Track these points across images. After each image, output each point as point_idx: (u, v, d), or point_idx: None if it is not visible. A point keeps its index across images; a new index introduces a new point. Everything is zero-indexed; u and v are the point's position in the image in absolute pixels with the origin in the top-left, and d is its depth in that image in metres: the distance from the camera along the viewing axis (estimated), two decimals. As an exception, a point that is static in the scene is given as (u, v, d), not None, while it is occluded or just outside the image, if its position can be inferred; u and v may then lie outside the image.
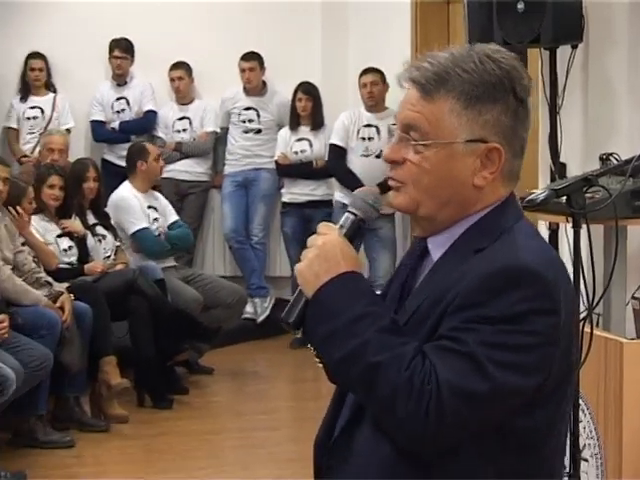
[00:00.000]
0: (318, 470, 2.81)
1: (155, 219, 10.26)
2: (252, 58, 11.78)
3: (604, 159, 7.37)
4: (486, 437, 2.54)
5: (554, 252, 2.65)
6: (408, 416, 2.47)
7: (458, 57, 2.60)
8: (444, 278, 2.60)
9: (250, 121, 11.89)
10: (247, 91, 11.87)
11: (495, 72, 2.58)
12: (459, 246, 2.63)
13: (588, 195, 5.63)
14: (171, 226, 10.39)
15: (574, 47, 8.20)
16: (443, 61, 2.61)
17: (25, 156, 11.38)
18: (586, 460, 3.95)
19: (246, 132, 11.87)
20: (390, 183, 2.67)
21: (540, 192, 4.94)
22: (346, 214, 2.77)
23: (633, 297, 7.00)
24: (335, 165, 11.06)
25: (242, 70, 11.78)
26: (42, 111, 11.72)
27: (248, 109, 11.88)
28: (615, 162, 7.09)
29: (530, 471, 2.59)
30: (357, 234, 2.75)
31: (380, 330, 2.53)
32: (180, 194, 11.62)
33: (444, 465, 2.55)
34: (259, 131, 11.85)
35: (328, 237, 2.69)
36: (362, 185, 10.75)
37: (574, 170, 7.54)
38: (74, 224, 9.35)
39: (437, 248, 2.68)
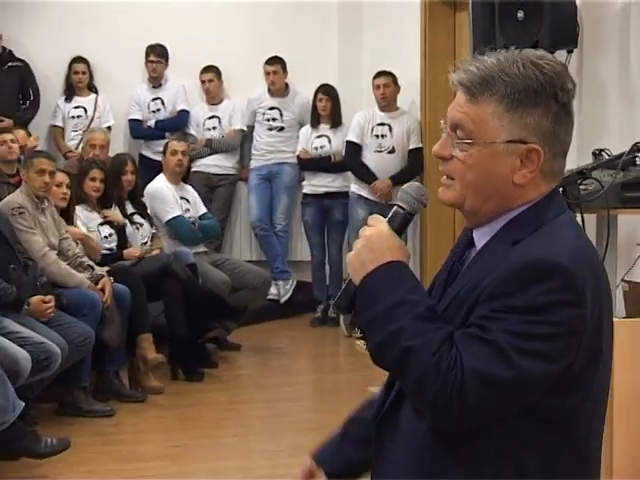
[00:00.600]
0: (377, 436, 2.79)
1: (187, 209, 10.29)
2: (276, 62, 11.80)
3: (596, 154, 7.35)
4: (517, 419, 2.52)
5: (588, 248, 2.63)
6: (435, 398, 2.46)
7: (503, 62, 2.58)
8: (482, 267, 2.60)
9: (274, 120, 11.90)
10: (271, 92, 11.88)
11: (537, 77, 2.55)
12: (499, 237, 2.62)
13: (582, 187, 5.63)
14: (201, 217, 10.41)
15: (569, 52, 8.20)
16: (489, 65, 2.59)
17: (70, 151, 11.42)
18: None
19: (270, 130, 11.88)
20: (442, 179, 2.67)
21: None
22: (395, 207, 2.76)
23: (623, 280, 7.00)
24: (351, 160, 11.08)
25: (267, 73, 11.80)
26: (85, 110, 11.74)
27: (272, 109, 11.89)
28: (607, 157, 7.07)
29: (562, 453, 2.57)
30: (404, 226, 2.74)
31: (415, 317, 2.52)
32: (210, 186, 11.64)
33: (476, 444, 2.55)
34: (282, 129, 11.86)
35: (375, 229, 2.68)
36: (375, 178, 10.81)
37: (569, 164, 7.48)
38: (114, 214, 9.38)
39: (481, 238, 2.68)
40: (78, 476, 7.11)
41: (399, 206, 2.76)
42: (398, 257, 2.63)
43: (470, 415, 2.47)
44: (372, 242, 2.65)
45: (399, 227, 2.72)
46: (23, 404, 6.94)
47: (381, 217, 2.74)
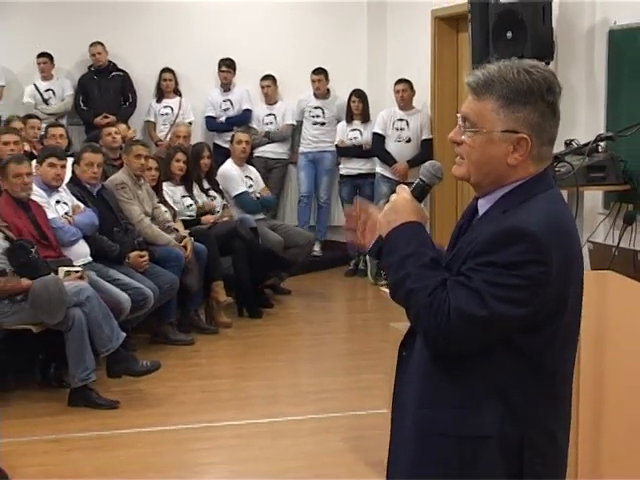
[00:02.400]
0: (399, 360, 2.81)
1: (250, 185, 10.28)
2: (320, 72, 11.74)
3: (568, 143, 7.31)
4: (498, 352, 2.55)
5: (562, 217, 2.63)
6: (428, 328, 2.53)
7: (503, 69, 2.59)
8: (478, 230, 2.63)
9: (317, 117, 11.84)
10: (316, 95, 11.82)
11: (527, 81, 2.56)
12: (495, 207, 2.63)
13: (557, 169, 5.59)
14: (261, 192, 10.42)
15: (547, 63, 8.11)
16: (491, 71, 2.60)
17: (160, 141, 11.41)
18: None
19: (314, 124, 11.84)
20: (456, 159, 2.67)
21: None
22: (417, 180, 2.80)
23: (588, 241, 6.99)
24: (377, 148, 11.04)
25: (313, 81, 11.75)
26: (172, 109, 11.74)
27: (316, 108, 11.85)
28: (575, 145, 7.04)
29: (535, 380, 2.60)
30: (423, 194, 2.78)
31: (420, 266, 2.57)
32: (267, 168, 11.61)
33: (466, 373, 2.59)
34: (323, 124, 11.81)
35: (400, 196, 2.73)
36: (395, 162, 10.80)
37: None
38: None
39: (482, 207, 2.69)
40: (167, 390, 7.17)
41: (420, 179, 2.79)
42: (416, 218, 2.67)
43: (454, 343, 2.52)
44: (397, 206, 2.70)
45: (419, 195, 2.76)
46: (124, 334, 6.99)
47: (406, 187, 2.78)
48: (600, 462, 4.04)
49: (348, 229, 3.02)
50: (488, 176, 2.63)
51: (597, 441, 4.04)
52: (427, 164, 2.86)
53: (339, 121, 11.71)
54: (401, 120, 11.04)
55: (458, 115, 2.69)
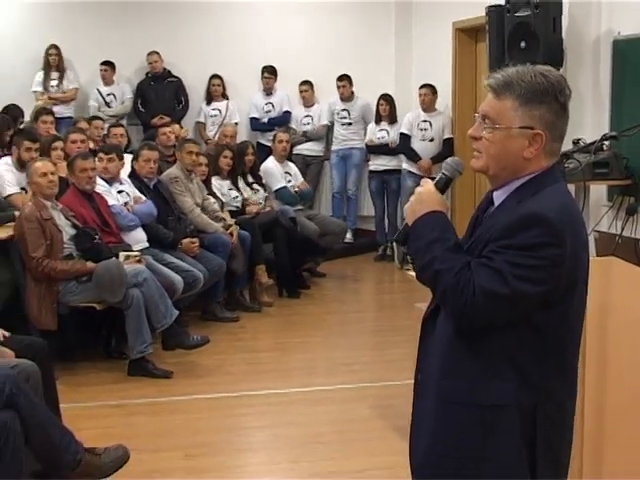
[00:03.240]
0: (421, 335, 2.81)
1: (289, 180, 10.28)
2: (344, 78, 11.72)
3: (575, 142, 7.26)
4: (515, 327, 2.56)
5: (571, 205, 2.64)
6: (455, 305, 2.53)
7: (521, 72, 2.60)
8: (496, 218, 2.63)
9: (344, 118, 11.82)
10: (342, 99, 11.81)
11: (543, 83, 2.56)
12: (510, 198, 2.63)
13: (566, 165, 5.55)
14: (299, 185, 10.42)
15: (557, 70, 8.08)
16: (510, 74, 2.60)
17: (209, 139, 11.42)
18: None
19: (342, 125, 11.81)
20: (474, 154, 2.68)
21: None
22: (440, 174, 2.80)
23: (594, 230, 6.94)
24: (403, 146, 11.00)
25: (338, 86, 11.75)
26: (220, 111, 11.74)
27: (343, 110, 11.81)
28: (582, 144, 7.00)
29: (548, 353, 2.60)
30: (446, 187, 2.77)
31: (445, 249, 2.57)
32: (305, 164, 11.60)
33: (485, 345, 2.59)
34: (350, 124, 11.79)
35: (425, 188, 2.73)
36: (420, 158, 10.78)
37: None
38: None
39: (498, 198, 2.68)
40: (215, 361, 7.19)
41: (443, 173, 2.79)
42: (439, 208, 2.67)
43: (478, 319, 2.52)
44: (422, 197, 2.70)
45: (442, 187, 2.75)
46: (177, 312, 7.01)
47: (430, 180, 2.78)
48: (604, 437, 4.01)
49: None
50: (505, 169, 2.63)
51: (601, 422, 4.01)
52: (449, 160, 2.87)
53: (364, 120, 11.73)
54: (425, 121, 11.00)
55: (476, 114, 2.69)
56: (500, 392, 2.58)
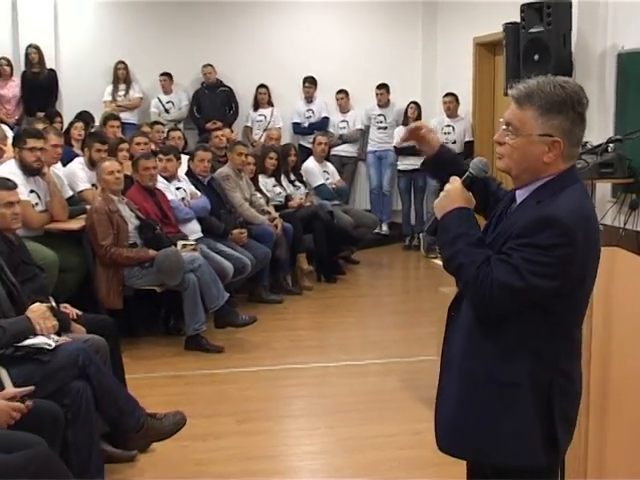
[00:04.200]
0: (447, 320, 2.82)
1: (327, 178, 10.26)
2: (382, 87, 11.67)
3: (583, 145, 7.22)
4: (530, 313, 2.57)
5: (586, 207, 2.61)
6: (475, 296, 2.57)
7: (541, 83, 2.58)
8: (517, 216, 2.62)
9: (381, 122, 11.78)
10: (379, 105, 11.76)
11: (562, 95, 2.54)
12: (531, 197, 2.62)
13: (577, 165, 5.49)
14: (336, 183, 10.42)
15: (568, 80, 8.05)
16: (531, 85, 2.58)
17: (255, 142, 11.44)
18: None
19: (379, 128, 11.77)
20: (497, 157, 2.68)
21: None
22: (467, 172, 2.78)
23: (600, 224, 6.93)
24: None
25: (376, 94, 11.72)
26: (265, 117, 11.75)
27: (380, 115, 11.78)
28: (589, 147, 6.97)
29: (558, 335, 2.61)
30: (472, 185, 2.76)
31: (469, 244, 2.59)
32: (342, 164, 11.57)
33: (503, 330, 2.61)
34: (386, 128, 11.73)
35: (453, 185, 2.72)
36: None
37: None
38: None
39: (520, 197, 2.67)
40: (261, 338, 7.20)
41: (470, 172, 2.77)
42: (465, 205, 2.68)
43: (495, 308, 2.55)
44: (450, 194, 2.70)
45: (469, 185, 2.74)
46: (228, 294, 7.03)
47: (458, 178, 2.76)
48: (608, 408, 3.98)
49: (408, 133, 3.15)
50: (527, 171, 2.62)
51: (605, 395, 3.98)
52: (476, 160, 2.85)
53: (398, 125, 11.67)
54: (448, 126, 10.97)
55: (501, 120, 2.68)
56: (516, 372, 2.60)
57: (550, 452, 2.65)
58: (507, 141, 2.62)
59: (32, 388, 3.82)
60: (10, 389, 3.85)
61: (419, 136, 3.13)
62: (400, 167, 11.51)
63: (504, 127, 2.64)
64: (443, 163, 3.12)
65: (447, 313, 2.83)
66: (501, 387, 2.61)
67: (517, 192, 2.70)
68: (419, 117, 11.37)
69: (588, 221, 2.57)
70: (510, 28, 8.44)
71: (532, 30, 8.08)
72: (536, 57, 8.01)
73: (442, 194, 2.73)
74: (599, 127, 8.03)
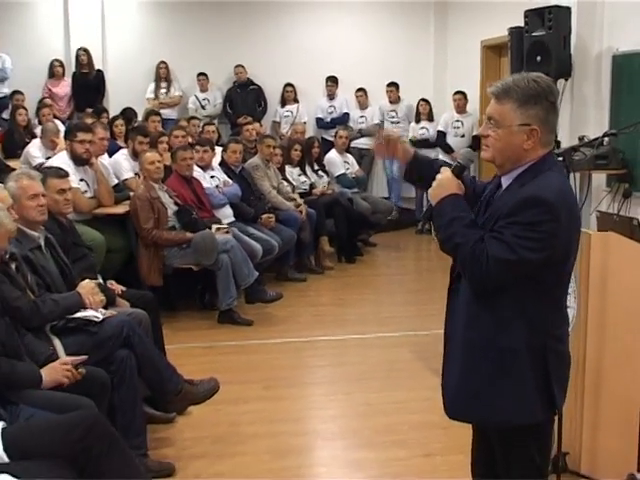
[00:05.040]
0: (448, 297, 2.83)
1: (347, 168, 10.23)
2: (392, 85, 11.67)
3: (580, 138, 7.21)
4: (522, 285, 2.58)
5: (565, 187, 2.64)
6: (471, 271, 2.58)
7: (516, 79, 2.61)
8: (503, 200, 2.63)
9: (393, 117, 11.76)
10: (390, 102, 11.74)
11: (535, 88, 2.58)
12: (515, 182, 2.64)
13: (574, 157, 5.47)
14: (356, 172, 10.39)
15: (566, 80, 8.00)
16: (508, 82, 2.62)
17: (282, 135, 11.42)
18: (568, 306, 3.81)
19: (392, 123, 11.74)
20: (483, 148, 2.70)
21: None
22: (455, 162, 2.81)
23: (595, 210, 6.87)
24: (440, 141, 10.94)
25: (387, 91, 11.70)
26: (291, 113, 11.74)
27: (392, 111, 11.76)
28: (586, 140, 6.93)
29: (546, 301, 2.62)
30: (460, 173, 2.78)
31: (463, 226, 2.61)
32: (360, 155, 11.51)
33: (499, 300, 2.61)
34: (398, 122, 11.71)
35: (444, 175, 2.75)
36: (453, 151, 10.71)
37: (565, 144, 7.39)
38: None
39: (505, 182, 2.69)
40: (287, 313, 7.21)
41: (458, 162, 2.81)
42: (456, 191, 2.70)
43: (491, 281, 2.55)
44: (442, 182, 2.73)
45: (458, 174, 2.76)
46: (257, 273, 7.04)
47: (447, 168, 2.80)
48: (602, 379, 3.97)
49: (377, 150, 3.23)
50: (509, 159, 2.64)
51: (600, 368, 3.96)
52: (463, 151, 2.96)
53: (408, 119, 11.68)
54: (458, 121, 10.93)
55: (484, 116, 2.71)
56: (513, 339, 2.60)
57: (547, 410, 2.68)
58: (490, 134, 2.65)
59: (85, 357, 3.86)
60: (65, 357, 3.89)
61: (392, 148, 3.18)
62: (414, 158, 11.49)
63: (487, 121, 2.67)
64: (422, 165, 3.19)
65: (447, 290, 2.84)
66: (500, 353, 2.61)
67: (502, 179, 2.72)
68: (430, 113, 11.39)
69: (569, 198, 2.60)
70: (514, 32, 8.38)
71: (535, 34, 8.03)
72: (538, 58, 7.95)
73: (435, 183, 2.74)
74: (595, 122, 7.99)
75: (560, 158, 4.48)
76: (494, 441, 2.82)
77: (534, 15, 8.05)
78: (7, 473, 2.71)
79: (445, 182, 2.72)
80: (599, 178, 7.85)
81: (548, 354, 2.62)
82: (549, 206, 2.49)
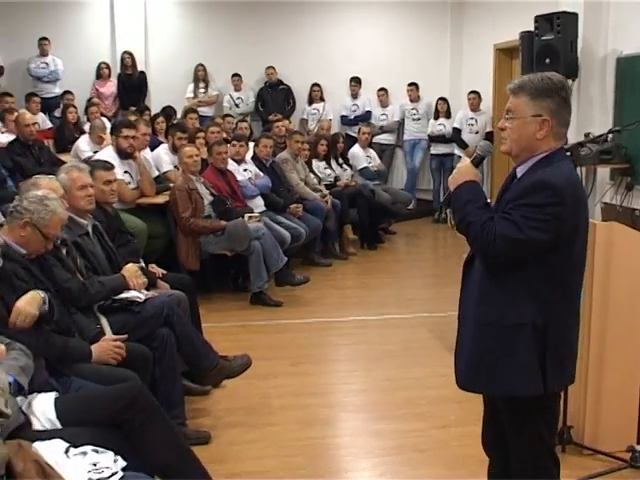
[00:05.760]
0: (463, 277, 2.85)
1: (369, 162, 10.19)
2: (412, 85, 11.59)
3: (586, 135, 7.15)
4: (531, 265, 2.59)
5: (573, 175, 2.66)
6: (481, 247, 2.61)
7: (531, 77, 2.66)
8: (518, 186, 2.65)
9: (414, 114, 11.69)
10: (411, 101, 11.67)
11: (548, 83, 2.61)
12: (528, 172, 2.66)
13: (581, 152, 5.43)
14: (377, 166, 10.36)
15: (573, 80, 7.92)
16: (523, 79, 2.68)
17: (310, 131, 11.38)
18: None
19: (413, 120, 11.69)
20: (501, 142, 2.74)
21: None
22: (475, 153, 2.87)
23: (600, 201, 6.83)
24: (456, 137, 10.87)
25: (407, 91, 11.62)
26: (318, 110, 11.68)
27: (413, 109, 11.69)
28: (592, 136, 6.87)
29: (555, 281, 2.61)
30: (479, 163, 2.84)
31: (477, 207, 2.64)
32: (381, 150, 11.45)
33: (509, 277, 2.62)
34: (419, 119, 11.66)
35: (464, 164, 2.79)
36: (467, 146, 10.64)
37: (572, 140, 7.33)
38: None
39: (520, 172, 2.70)
40: (314, 295, 7.21)
41: (478, 153, 2.87)
42: (474, 179, 2.73)
43: (499, 257, 2.58)
44: (461, 170, 2.76)
45: (477, 163, 2.81)
46: (286, 258, 7.04)
47: (467, 158, 2.85)
48: (605, 356, 3.95)
49: None
50: (525, 149, 2.66)
51: (603, 346, 3.94)
52: (482, 143, 3.00)
53: (428, 116, 11.61)
54: (472, 119, 10.85)
55: (504, 111, 2.72)
56: (520, 314, 2.61)
57: (549, 384, 2.66)
58: (507, 125, 2.68)
59: (125, 337, 3.89)
60: (111, 335, 3.92)
61: None
62: (432, 151, 11.47)
63: (505, 115, 2.70)
64: None
65: (462, 270, 2.84)
66: (507, 328, 2.62)
67: (518, 169, 2.72)
68: (448, 110, 11.34)
69: (575, 185, 2.62)
70: (525, 36, 8.32)
71: (544, 38, 7.96)
72: (547, 61, 7.88)
73: (455, 171, 2.78)
74: (600, 120, 7.92)
75: (568, 153, 4.48)
76: (502, 413, 2.82)
77: (543, 20, 7.99)
78: (59, 438, 2.74)
79: (464, 170, 2.75)
80: (603, 172, 7.79)
81: (549, 334, 2.61)
82: (556, 190, 2.51)
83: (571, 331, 2.71)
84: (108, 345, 3.76)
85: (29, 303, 3.29)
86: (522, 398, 2.66)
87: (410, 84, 11.66)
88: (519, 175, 2.69)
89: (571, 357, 2.74)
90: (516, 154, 2.68)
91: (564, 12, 7.84)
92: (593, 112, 8.01)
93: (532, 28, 8.15)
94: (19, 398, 2.85)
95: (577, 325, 2.75)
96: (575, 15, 7.86)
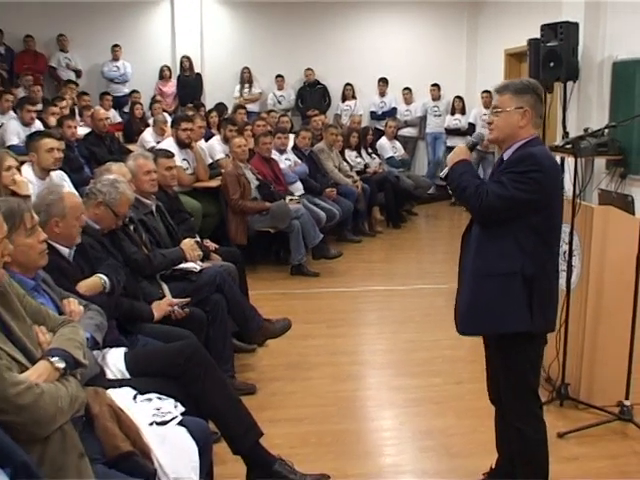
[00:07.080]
0: (462, 239, 2.90)
1: (395, 152, 10.12)
2: (435, 85, 11.51)
3: (585, 130, 7.03)
4: (520, 224, 2.67)
5: (549, 154, 2.72)
6: (474, 205, 2.69)
7: (514, 80, 2.83)
8: (506, 163, 2.75)
9: (436, 111, 11.60)
10: (433, 99, 11.57)
11: (526, 84, 2.75)
12: (513, 154, 2.74)
13: (581, 145, 5.33)
14: (402, 156, 10.26)
15: (574, 82, 7.79)
16: (507, 82, 2.82)
17: (343, 125, 11.30)
18: (573, 266, 3.71)
19: (434, 116, 11.60)
20: (489, 131, 2.82)
21: (560, 143, 4.77)
22: (468, 138, 3.02)
23: (597, 188, 6.72)
24: (471, 131, 10.74)
25: (430, 90, 11.54)
26: (350, 107, 11.62)
27: (435, 106, 11.59)
28: (590, 131, 6.74)
29: (538, 238, 2.68)
30: (473, 147, 2.95)
31: (470, 177, 2.74)
32: (405, 142, 11.31)
33: (501, 233, 2.69)
34: (440, 115, 11.56)
35: (459, 147, 2.90)
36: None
37: (572, 134, 7.22)
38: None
39: (507, 156, 2.78)
40: (345, 267, 7.20)
41: (472, 139, 3.00)
42: (467, 158, 2.84)
43: (491, 213, 2.66)
44: (457, 151, 2.88)
45: (471, 147, 2.94)
46: (322, 235, 7.04)
47: (462, 144, 2.95)
48: (599, 329, 3.91)
49: None
50: (509, 135, 2.76)
51: (598, 321, 3.91)
52: (476, 132, 3.19)
53: (447, 113, 11.50)
54: (485, 115, 10.71)
55: (491, 108, 2.84)
56: (511, 266, 2.68)
57: (535, 324, 2.71)
58: (494, 119, 2.79)
59: (188, 300, 3.92)
60: (171, 299, 3.96)
61: None
62: (448, 144, 11.34)
63: (492, 111, 2.81)
64: None
65: (462, 235, 2.90)
66: (500, 277, 2.69)
67: (504, 154, 2.81)
68: (463, 107, 11.24)
69: (552, 159, 2.73)
70: (532, 42, 8.17)
71: (549, 44, 7.81)
72: (551, 64, 7.73)
73: (452, 152, 2.89)
74: (598, 118, 7.78)
75: (569, 145, 4.41)
76: (495, 355, 2.88)
77: (548, 29, 7.86)
78: (128, 386, 2.78)
79: (459, 151, 2.85)
80: (600, 162, 7.66)
81: (535, 282, 2.67)
82: (537, 160, 2.61)
83: (552, 282, 2.76)
84: (164, 304, 3.81)
85: (90, 289, 3.21)
86: (511, 336, 2.72)
87: (433, 85, 11.60)
88: (505, 158, 2.78)
89: (552, 304, 2.79)
90: (502, 140, 2.77)
91: (567, 22, 7.72)
92: (591, 110, 7.87)
93: (538, 35, 8.02)
94: (95, 352, 2.88)
95: (557, 278, 2.80)
96: (576, 24, 7.74)
